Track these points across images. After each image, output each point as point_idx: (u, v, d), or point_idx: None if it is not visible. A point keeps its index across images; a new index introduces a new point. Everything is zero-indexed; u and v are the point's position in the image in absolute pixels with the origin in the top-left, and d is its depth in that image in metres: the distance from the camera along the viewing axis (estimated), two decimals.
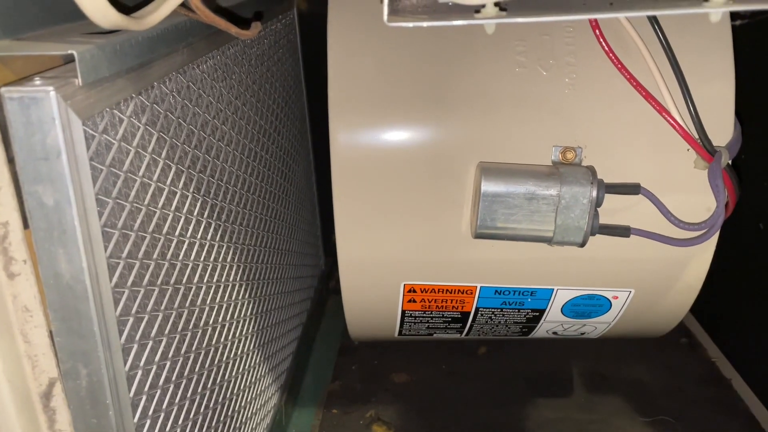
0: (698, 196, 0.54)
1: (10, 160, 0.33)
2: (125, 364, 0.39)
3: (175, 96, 0.46)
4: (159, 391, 0.43)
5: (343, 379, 0.87)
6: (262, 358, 0.68)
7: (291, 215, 0.82)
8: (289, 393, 0.78)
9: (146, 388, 0.41)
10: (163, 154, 0.44)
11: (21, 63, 0.34)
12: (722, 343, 0.90)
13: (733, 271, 0.83)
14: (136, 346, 0.40)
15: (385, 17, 0.34)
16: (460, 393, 0.85)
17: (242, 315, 0.61)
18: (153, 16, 0.37)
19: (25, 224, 0.34)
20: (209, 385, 0.52)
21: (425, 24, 0.33)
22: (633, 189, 0.53)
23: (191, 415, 0.49)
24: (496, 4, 0.33)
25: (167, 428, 0.45)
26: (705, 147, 0.52)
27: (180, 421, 0.47)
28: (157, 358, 0.43)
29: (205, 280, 0.51)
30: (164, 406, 0.44)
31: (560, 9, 0.33)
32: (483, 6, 0.33)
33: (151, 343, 0.42)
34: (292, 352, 0.82)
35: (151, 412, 0.42)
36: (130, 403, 0.39)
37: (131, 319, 0.39)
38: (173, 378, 0.45)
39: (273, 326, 0.72)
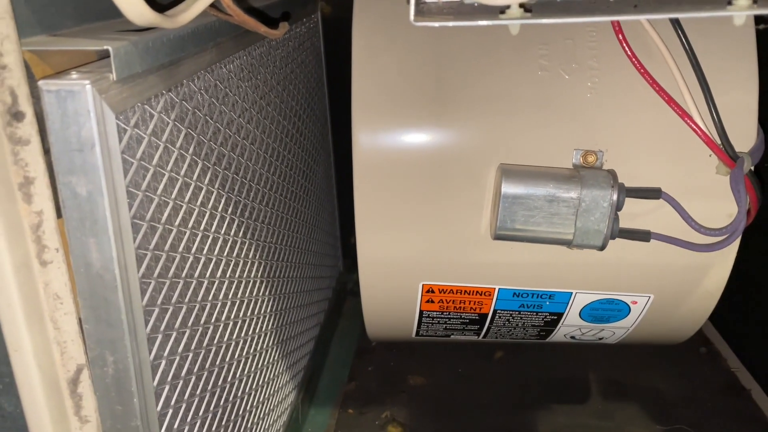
0: (720, 202, 0.54)
1: (46, 152, 0.34)
2: (150, 353, 0.39)
3: (203, 94, 0.47)
4: (181, 382, 0.44)
5: (359, 380, 0.88)
6: (280, 355, 0.68)
7: (311, 215, 0.83)
8: (305, 392, 0.79)
9: (169, 378, 0.42)
10: (191, 150, 0.45)
11: (58, 58, 0.35)
12: (742, 353, 0.89)
13: (754, 281, 0.83)
14: (160, 336, 0.41)
15: (412, 17, 0.34)
16: (476, 396, 0.85)
17: (262, 311, 0.62)
18: (185, 15, 0.38)
19: (59, 214, 0.35)
20: (229, 379, 0.53)
21: (451, 24, 0.33)
22: (654, 193, 0.53)
23: (211, 408, 0.50)
24: (521, 5, 0.34)
25: (188, 419, 0.45)
26: (727, 152, 0.52)
27: (201, 413, 0.48)
28: (180, 349, 0.44)
29: (227, 275, 0.52)
30: (186, 396, 0.45)
31: (584, 11, 0.33)
32: (508, 7, 0.34)
33: (174, 334, 0.43)
34: (310, 352, 0.83)
35: (173, 402, 0.43)
36: (153, 392, 0.40)
37: (156, 310, 0.40)
38: (195, 370, 0.46)
39: (291, 324, 0.73)
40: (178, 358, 0.43)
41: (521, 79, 0.54)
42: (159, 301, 0.41)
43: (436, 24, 0.33)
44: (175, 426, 0.43)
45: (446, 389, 0.86)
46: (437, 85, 0.55)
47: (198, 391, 0.47)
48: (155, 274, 0.40)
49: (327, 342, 0.93)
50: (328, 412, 0.82)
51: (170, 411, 0.42)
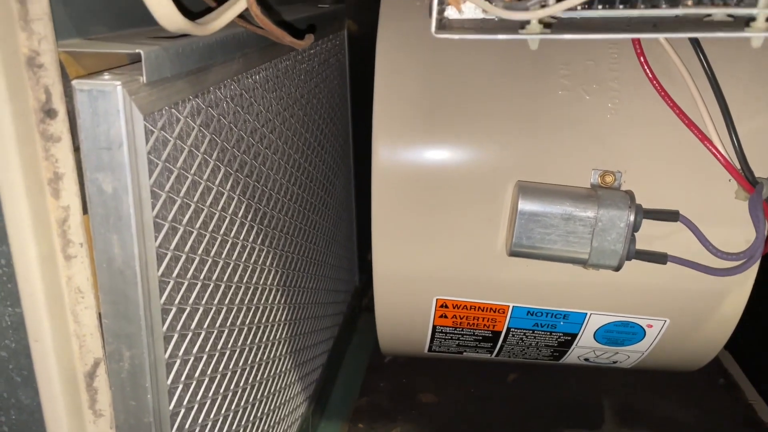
0: (738, 228, 0.54)
1: (75, 149, 0.35)
2: (165, 351, 0.40)
3: (228, 102, 0.48)
4: (194, 383, 0.45)
5: (370, 395, 0.88)
6: (292, 365, 0.69)
7: (329, 229, 0.84)
8: (317, 404, 0.79)
9: (183, 378, 0.43)
10: (214, 156, 0.46)
11: (91, 60, 0.36)
12: (761, 386, 0.88)
13: None
14: (176, 335, 0.42)
15: (433, 29, 0.35)
16: (487, 417, 0.84)
17: (276, 319, 0.62)
18: (215, 23, 0.39)
19: (84, 210, 0.36)
20: (241, 384, 0.54)
21: (471, 36, 0.34)
22: (672, 216, 0.53)
23: (222, 411, 0.50)
24: (540, 22, 0.34)
25: (200, 420, 0.46)
26: (746, 177, 0.51)
27: (212, 416, 0.48)
28: (195, 350, 0.44)
29: (244, 281, 0.53)
30: (198, 398, 0.45)
31: (604, 28, 0.34)
32: (528, 22, 0.34)
33: (190, 334, 0.44)
34: (322, 365, 0.83)
35: (186, 402, 0.43)
36: (167, 390, 0.40)
37: (174, 309, 0.41)
38: (209, 372, 0.47)
39: (305, 335, 0.73)
40: (192, 358, 0.44)
41: (542, 98, 0.54)
42: (177, 301, 0.41)
43: (457, 36, 0.34)
44: (186, 426, 0.44)
45: (457, 408, 0.86)
46: (458, 102, 0.55)
47: (210, 393, 0.48)
48: (174, 274, 0.41)
49: (340, 356, 0.93)
50: (338, 426, 0.82)
51: (182, 410, 0.43)
